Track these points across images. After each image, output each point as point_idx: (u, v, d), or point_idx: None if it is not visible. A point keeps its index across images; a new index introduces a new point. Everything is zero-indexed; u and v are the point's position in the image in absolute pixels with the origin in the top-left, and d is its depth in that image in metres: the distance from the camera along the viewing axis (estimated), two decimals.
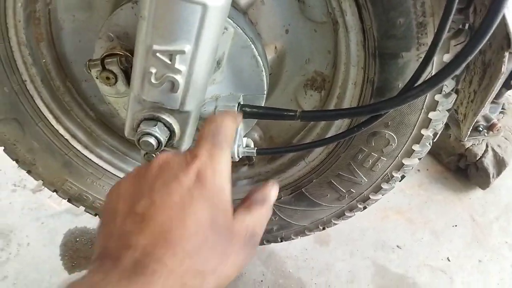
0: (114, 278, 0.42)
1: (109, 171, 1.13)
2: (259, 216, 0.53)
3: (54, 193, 1.18)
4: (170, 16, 0.57)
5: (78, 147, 1.07)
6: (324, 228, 1.13)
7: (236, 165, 1.11)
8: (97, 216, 1.23)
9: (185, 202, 0.46)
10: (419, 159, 0.89)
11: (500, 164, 1.72)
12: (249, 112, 0.75)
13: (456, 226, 1.68)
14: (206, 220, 0.46)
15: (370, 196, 0.98)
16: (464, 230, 1.67)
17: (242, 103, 0.77)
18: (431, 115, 0.78)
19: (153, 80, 0.62)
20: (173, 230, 0.44)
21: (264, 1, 0.80)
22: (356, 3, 0.70)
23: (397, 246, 1.60)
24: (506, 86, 0.96)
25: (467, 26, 0.67)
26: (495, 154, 1.72)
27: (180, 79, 0.61)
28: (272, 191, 0.57)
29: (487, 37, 0.56)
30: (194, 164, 0.49)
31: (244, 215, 0.51)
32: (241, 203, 0.54)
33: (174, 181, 0.47)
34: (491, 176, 1.73)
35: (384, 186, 0.94)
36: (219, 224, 0.47)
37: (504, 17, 0.63)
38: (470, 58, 0.59)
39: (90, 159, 1.10)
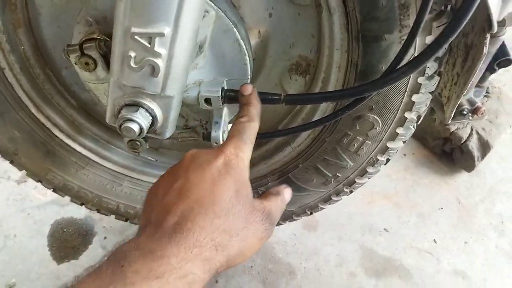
0: (156, 238, 0.51)
1: (93, 160, 1.11)
2: (274, 202, 0.65)
3: (39, 183, 1.16)
4: None
5: (61, 136, 1.06)
6: (311, 213, 1.13)
7: None
8: (83, 205, 1.21)
9: (215, 178, 0.57)
10: (404, 142, 0.90)
11: (485, 147, 1.73)
12: (233, 97, 0.74)
13: (442, 208, 1.71)
14: (232, 191, 0.57)
15: (356, 180, 0.98)
16: (450, 212, 1.69)
17: (225, 88, 0.76)
18: (414, 98, 0.78)
19: (132, 64, 0.61)
20: (205, 197, 0.55)
21: None
22: None
23: (384, 229, 1.62)
24: (490, 70, 0.96)
25: (449, 7, 0.67)
26: (480, 137, 1.74)
27: (160, 62, 0.60)
28: (285, 189, 0.71)
29: (468, 17, 0.56)
30: (223, 153, 0.60)
31: (261, 199, 0.64)
32: (259, 196, 0.65)
33: (205, 164, 0.59)
34: (475, 159, 1.74)
35: (370, 169, 0.95)
36: (243, 196, 0.58)
37: None
38: (451, 39, 0.59)
39: (73, 148, 1.08)
